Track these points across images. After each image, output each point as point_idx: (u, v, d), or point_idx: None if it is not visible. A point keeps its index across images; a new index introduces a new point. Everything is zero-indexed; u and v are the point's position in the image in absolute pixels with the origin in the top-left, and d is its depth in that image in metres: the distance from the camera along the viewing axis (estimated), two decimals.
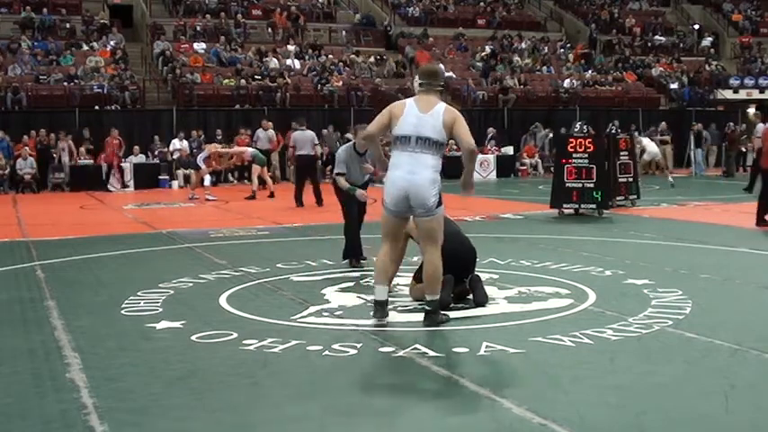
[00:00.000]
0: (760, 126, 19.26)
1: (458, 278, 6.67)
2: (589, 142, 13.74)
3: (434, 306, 6.01)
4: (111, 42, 28.18)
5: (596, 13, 37.46)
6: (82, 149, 23.00)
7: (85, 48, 27.78)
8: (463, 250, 6.83)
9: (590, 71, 32.28)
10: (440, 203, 5.97)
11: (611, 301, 6.78)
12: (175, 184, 22.71)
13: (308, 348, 5.39)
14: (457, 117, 5.98)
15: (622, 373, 4.77)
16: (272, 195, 18.48)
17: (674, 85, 32.36)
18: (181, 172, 22.68)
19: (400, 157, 6.03)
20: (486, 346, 5.34)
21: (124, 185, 22.41)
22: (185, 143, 23.24)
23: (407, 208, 6.01)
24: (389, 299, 6.26)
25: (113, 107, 24.91)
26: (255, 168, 18.82)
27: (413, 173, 5.95)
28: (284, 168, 23.74)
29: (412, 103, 6.17)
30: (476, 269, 6.96)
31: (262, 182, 19.26)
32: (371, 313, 6.14)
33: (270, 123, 22.99)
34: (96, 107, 24.70)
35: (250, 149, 19.76)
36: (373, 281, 6.46)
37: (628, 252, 9.59)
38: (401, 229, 6.23)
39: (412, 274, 6.97)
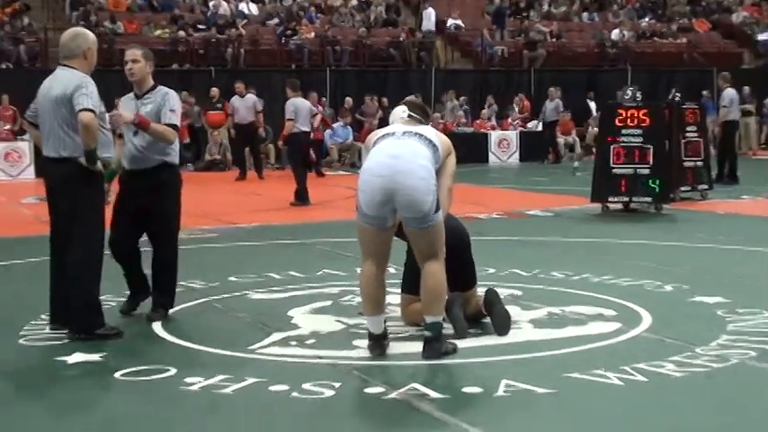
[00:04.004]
0: (729, 91, 19.15)
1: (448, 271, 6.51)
2: (644, 114, 13.79)
3: (437, 331, 6.05)
4: None
5: None
6: None
7: None
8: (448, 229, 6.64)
9: (647, 18, 32.35)
10: (438, 208, 5.96)
11: (672, 324, 6.83)
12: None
13: (270, 389, 5.41)
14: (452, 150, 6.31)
15: (688, 423, 4.82)
16: None
17: (762, 36, 32.38)
18: None
19: (379, 145, 6.11)
20: (506, 386, 5.37)
21: None
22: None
23: (390, 212, 5.96)
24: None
25: (3, 65, 24.85)
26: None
27: (397, 157, 5.93)
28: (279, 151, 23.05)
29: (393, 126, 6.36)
30: (494, 285, 7.00)
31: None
32: (367, 347, 6.18)
33: (242, 85, 22.15)
34: None
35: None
36: (361, 310, 6.49)
37: (695, 260, 9.65)
38: (387, 244, 6.13)
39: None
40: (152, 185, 7.20)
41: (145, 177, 7.17)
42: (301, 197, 15.52)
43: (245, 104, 21.61)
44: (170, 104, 7.26)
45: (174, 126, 7.25)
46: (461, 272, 6.72)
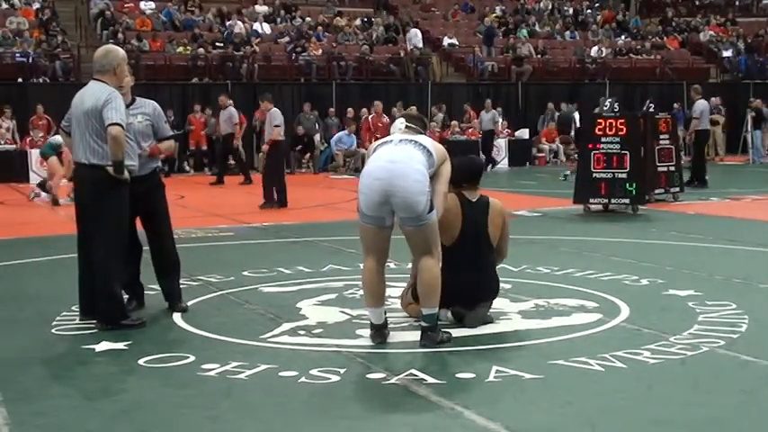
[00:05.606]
0: (700, 103, 19.08)
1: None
2: (621, 123, 13.78)
3: (433, 322, 6.03)
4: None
5: None
6: (2, 131, 22.90)
7: (5, 6, 27.68)
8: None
9: (623, 37, 32.34)
10: (432, 208, 5.96)
11: (648, 316, 6.81)
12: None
13: (280, 374, 5.40)
14: (447, 158, 6.23)
15: (663, 405, 4.79)
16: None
17: (727, 53, 32.38)
18: None
19: (378, 152, 6.10)
20: (497, 371, 5.37)
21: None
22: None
23: (388, 212, 5.96)
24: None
25: (41, 80, 24.83)
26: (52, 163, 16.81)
27: (394, 162, 5.94)
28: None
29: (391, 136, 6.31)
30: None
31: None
32: (369, 336, 6.16)
33: (228, 100, 21.71)
34: (19, 79, 24.60)
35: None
36: (363, 302, 6.46)
37: (669, 257, 9.63)
38: (386, 242, 6.13)
39: (405, 285, 6.95)
40: (149, 188, 7.20)
41: (144, 182, 7.10)
42: (281, 199, 15.31)
43: (223, 117, 20.94)
44: (164, 117, 7.53)
45: (171, 137, 7.56)
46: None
